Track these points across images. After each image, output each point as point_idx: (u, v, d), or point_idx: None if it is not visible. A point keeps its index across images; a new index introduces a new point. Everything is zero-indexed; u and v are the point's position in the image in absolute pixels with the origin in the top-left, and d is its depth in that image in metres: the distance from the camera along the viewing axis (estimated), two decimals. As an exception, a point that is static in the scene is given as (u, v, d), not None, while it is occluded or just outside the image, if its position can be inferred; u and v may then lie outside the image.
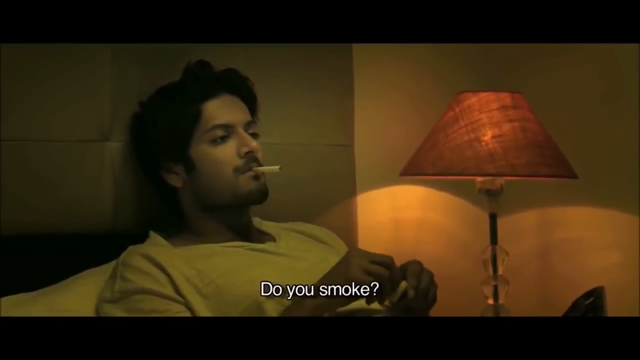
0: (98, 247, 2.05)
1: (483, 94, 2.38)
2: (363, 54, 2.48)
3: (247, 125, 1.99)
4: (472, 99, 2.37)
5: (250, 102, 2.04)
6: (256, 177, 1.95)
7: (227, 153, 1.95)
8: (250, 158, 1.95)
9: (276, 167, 1.95)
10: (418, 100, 2.65)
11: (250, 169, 1.95)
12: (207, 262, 1.87)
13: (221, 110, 1.97)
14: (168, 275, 1.83)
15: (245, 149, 1.95)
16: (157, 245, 1.94)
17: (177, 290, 1.82)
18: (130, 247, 1.92)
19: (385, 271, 1.71)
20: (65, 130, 2.05)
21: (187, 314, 1.81)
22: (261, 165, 1.96)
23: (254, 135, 1.99)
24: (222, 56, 2.09)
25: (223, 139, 1.95)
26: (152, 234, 1.99)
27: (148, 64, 2.12)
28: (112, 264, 1.93)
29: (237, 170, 1.94)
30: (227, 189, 1.95)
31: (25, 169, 2.01)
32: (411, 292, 1.73)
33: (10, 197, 1.97)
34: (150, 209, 2.10)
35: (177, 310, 1.81)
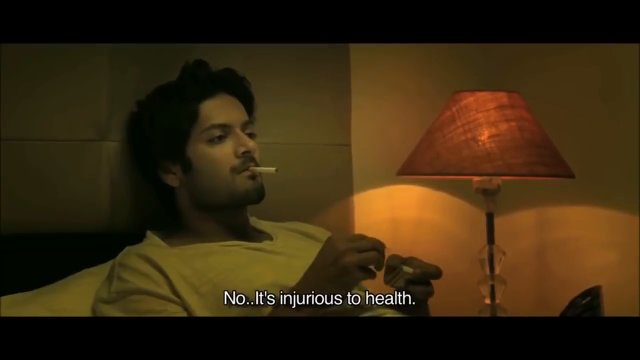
0: (95, 246, 2.06)
1: (480, 94, 2.38)
2: (360, 53, 2.48)
3: (244, 125, 1.99)
4: (469, 99, 2.37)
5: (248, 101, 2.05)
6: (253, 177, 1.95)
7: (224, 153, 1.95)
8: (247, 158, 1.95)
9: (272, 169, 1.95)
10: (415, 100, 2.65)
11: (247, 169, 1.95)
12: (204, 261, 1.87)
13: (218, 109, 1.97)
14: (165, 275, 1.83)
15: (242, 149, 1.95)
16: (153, 245, 1.94)
17: (174, 291, 1.82)
18: (127, 248, 1.92)
19: (376, 254, 1.69)
20: (63, 129, 2.05)
21: (184, 315, 1.81)
22: (258, 165, 1.97)
23: (251, 135, 1.99)
24: (220, 56, 2.09)
25: (220, 138, 1.95)
26: (149, 234, 1.99)
27: (145, 65, 2.12)
28: (109, 263, 1.93)
29: (234, 170, 1.94)
30: (223, 188, 1.95)
31: (22, 168, 2.01)
32: (414, 271, 1.75)
33: (8, 196, 1.97)
34: (147, 208, 2.10)
35: (174, 311, 1.81)
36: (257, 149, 1.97)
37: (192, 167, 1.95)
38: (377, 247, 1.69)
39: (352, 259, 1.66)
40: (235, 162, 1.95)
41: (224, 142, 1.95)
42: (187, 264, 1.86)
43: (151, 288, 1.82)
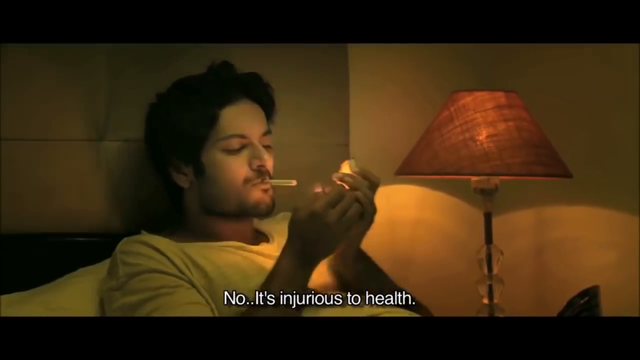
0: (92, 246, 2.05)
1: (478, 93, 2.38)
2: (358, 52, 2.48)
3: (263, 136, 1.95)
4: (467, 98, 2.37)
5: (269, 108, 2.00)
6: (265, 190, 1.92)
7: (239, 163, 1.91)
8: (261, 171, 1.92)
9: (292, 181, 1.91)
10: (414, 99, 2.65)
11: (260, 182, 1.92)
12: (202, 257, 1.85)
13: (239, 119, 1.93)
14: (168, 258, 1.81)
15: (257, 162, 1.92)
16: (151, 235, 1.92)
17: (180, 270, 1.81)
18: (125, 238, 1.89)
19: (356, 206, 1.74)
20: (62, 129, 2.05)
21: (194, 291, 1.80)
22: (271, 178, 1.93)
23: (268, 148, 1.95)
24: (219, 56, 2.08)
25: (237, 148, 1.92)
26: (143, 232, 1.96)
27: (144, 65, 2.12)
28: (107, 262, 1.92)
29: (247, 182, 1.91)
30: (234, 198, 1.92)
31: (21, 168, 2.01)
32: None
33: (7, 196, 1.97)
34: (144, 208, 2.10)
35: (188, 287, 1.79)
36: (271, 161, 1.94)
37: (204, 172, 1.92)
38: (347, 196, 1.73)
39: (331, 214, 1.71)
40: (249, 174, 1.92)
41: (241, 153, 1.92)
42: (186, 255, 1.84)
43: (161, 267, 1.80)
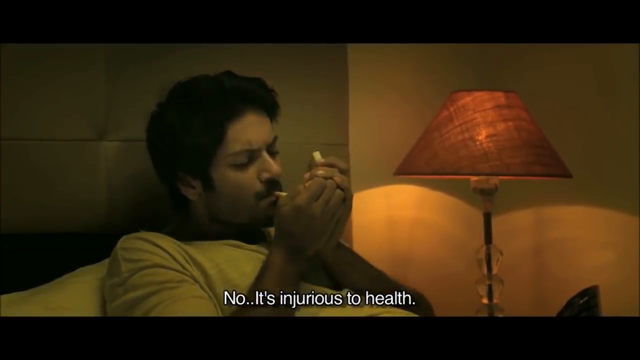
0: (91, 246, 2.05)
1: (477, 93, 2.38)
2: (358, 52, 2.48)
3: (271, 145, 1.93)
4: (467, 99, 2.38)
5: (274, 112, 1.97)
6: (276, 203, 1.87)
7: (249, 177, 1.89)
8: (272, 183, 1.90)
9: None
10: (413, 99, 2.65)
11: (271, 195, 1.89)
12: (201, 255, 1.85)
13: (246, 133, 1.89)
14: (170, 254, 1.81)
15: (266, 175, 1.89)
16: (151, 233, 1.91)
17: (182, 266, 1.81)
18: (124, 237, 1.88)
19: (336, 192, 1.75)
20: (61, 129, 2.05)
21: (197, 286, 1.79)
22: (281, 189, 1.90)
23: (274, 155, 1.93)
24: (218, 56, 2.09)
25: (246, 162, 1.89)
26: (142, 231, 1.96)
27: (143, 64, 2.12)
28: (106, 261, 1.91)
29: (259, 196, 1.89)
30: (245, 212, 1.90)
31: (21, 168, 2.01)
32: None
33: (7, 196, 1.97)
34: (144, 208, 2.09)
35: (192, 282, 1.79)
36: (280, 172, 1.91)
37: (214, 188, 1.89)
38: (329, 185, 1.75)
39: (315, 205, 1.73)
40: (260, 187, 1.89)
41: (249, 166, 1.89)
42: (185, 252, 1.83)
43: (165, 262, 1.80)
